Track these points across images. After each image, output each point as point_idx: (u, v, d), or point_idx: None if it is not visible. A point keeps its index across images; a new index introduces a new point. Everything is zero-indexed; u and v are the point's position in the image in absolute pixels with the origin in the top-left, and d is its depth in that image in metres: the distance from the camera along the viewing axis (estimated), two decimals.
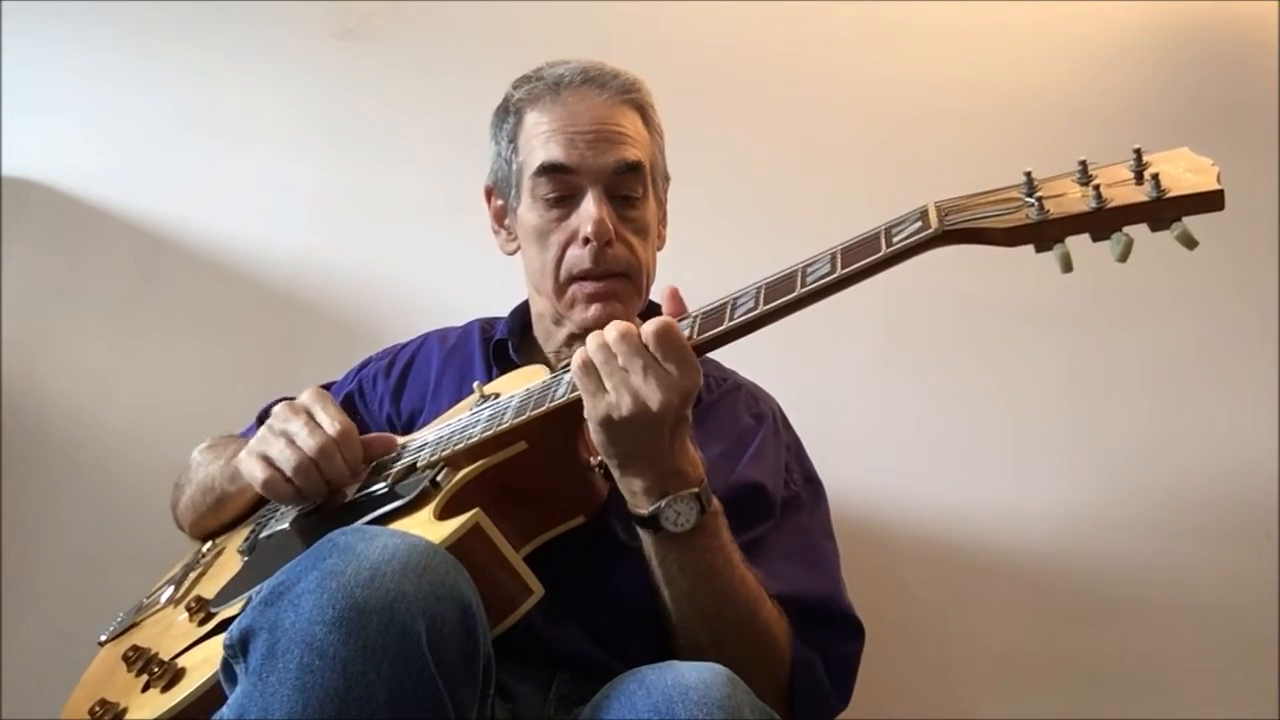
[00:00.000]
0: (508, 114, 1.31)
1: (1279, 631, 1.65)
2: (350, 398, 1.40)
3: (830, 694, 1.13)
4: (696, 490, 1.01)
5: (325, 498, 1.13)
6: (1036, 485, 1.75)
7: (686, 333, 1.00)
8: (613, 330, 0.99)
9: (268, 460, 1.12)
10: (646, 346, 0.97)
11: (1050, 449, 1.76)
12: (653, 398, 0.96)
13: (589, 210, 1.22)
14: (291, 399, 1.20)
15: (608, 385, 0.97)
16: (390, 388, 1.39)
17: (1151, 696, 1.66)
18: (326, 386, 1.44)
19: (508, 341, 1.34)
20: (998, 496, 1.75)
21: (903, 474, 1.78)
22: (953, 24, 1.91)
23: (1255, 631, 1.66)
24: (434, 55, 2.00)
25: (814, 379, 1.80)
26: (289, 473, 1.10)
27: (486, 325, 1.42)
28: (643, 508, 1.01)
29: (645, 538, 1.04)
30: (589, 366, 0.98)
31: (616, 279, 1.24)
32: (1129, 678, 1.67)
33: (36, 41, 2.01)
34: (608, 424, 0.98)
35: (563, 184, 1.24)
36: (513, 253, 1.34)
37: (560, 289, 1.25)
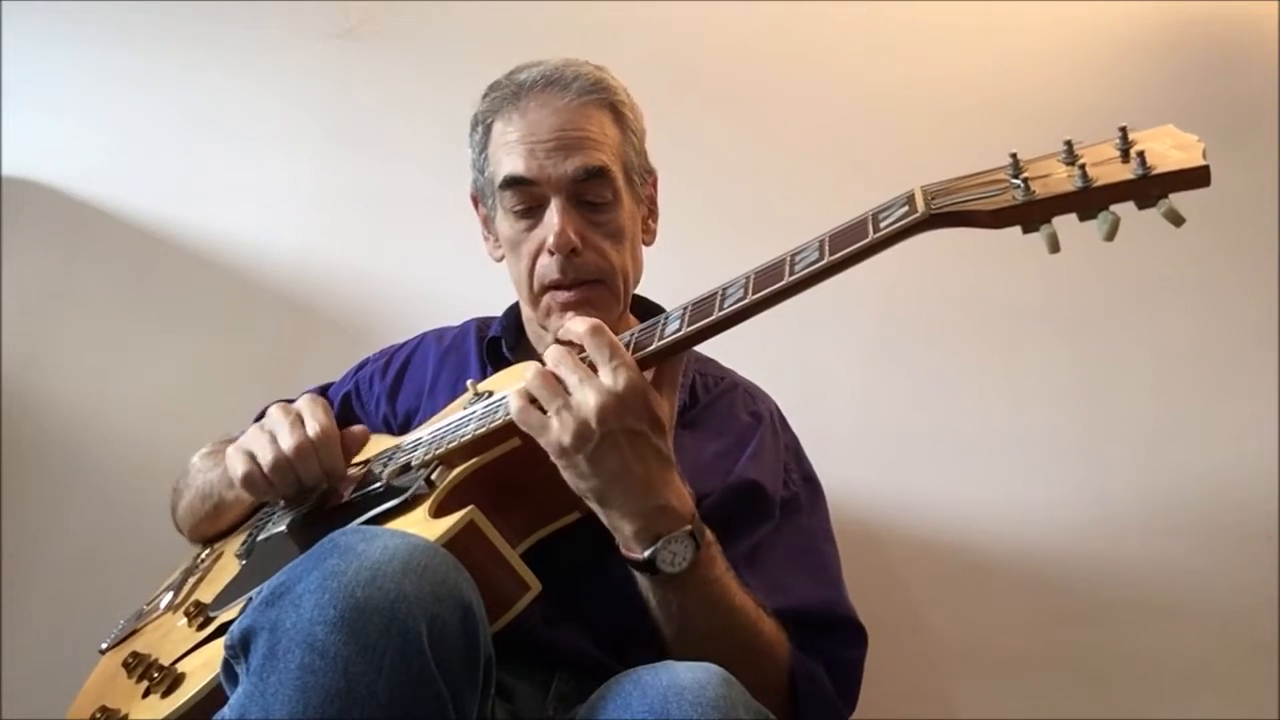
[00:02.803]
0: (477, 125, 1.31)
1: (1279, 631, 1.65)
2: (347, 398, 1.41)
3: (835, 700, 1.13)
4: (689, 528, 0.99)
5: (297, 497, 1.15)
6: (1036, 484, 1.75)
7: (677, 325, 1.01)
8: (551, 354, 1.00)
9: (250, 455, 1.13)
10: (578, 357, 0.98)
11: (1050, 448, 1.76)
12: (586, 406, 0.95)
13: (551, 222, 1.21)
14: (290, 401, 1.21)
15: (549, 412, 0.97)
16: (386, 388, 1.39)
17: (1151, 696, 1.66)
18: (325, 388, 1.45)
19: (501, 340, 1.34)
20: (997, 496, 1.75)
21: (902, 473, 1.78)
22: (952, 23, 1.91)
23: (1255, 631, 1.66)
24: (434, 55, 2.00)
25: (813, 378, 1.80)
26: (265, 469, 1.11)
27: (482, 325, 1.42)
28: (637, 552, 0.99)
29: (641, 579, 1.02)
30: (528, 402, 0.98)
31: (589, 286, 1.23)
32: (1129, 678, 1.67)
33: (36, 41, 2.01)
34: (562, 454, 0.97)
35: (527, 195, 1.23)
36: (500, 259, 1.34)
37: (535, 298, 1.26)
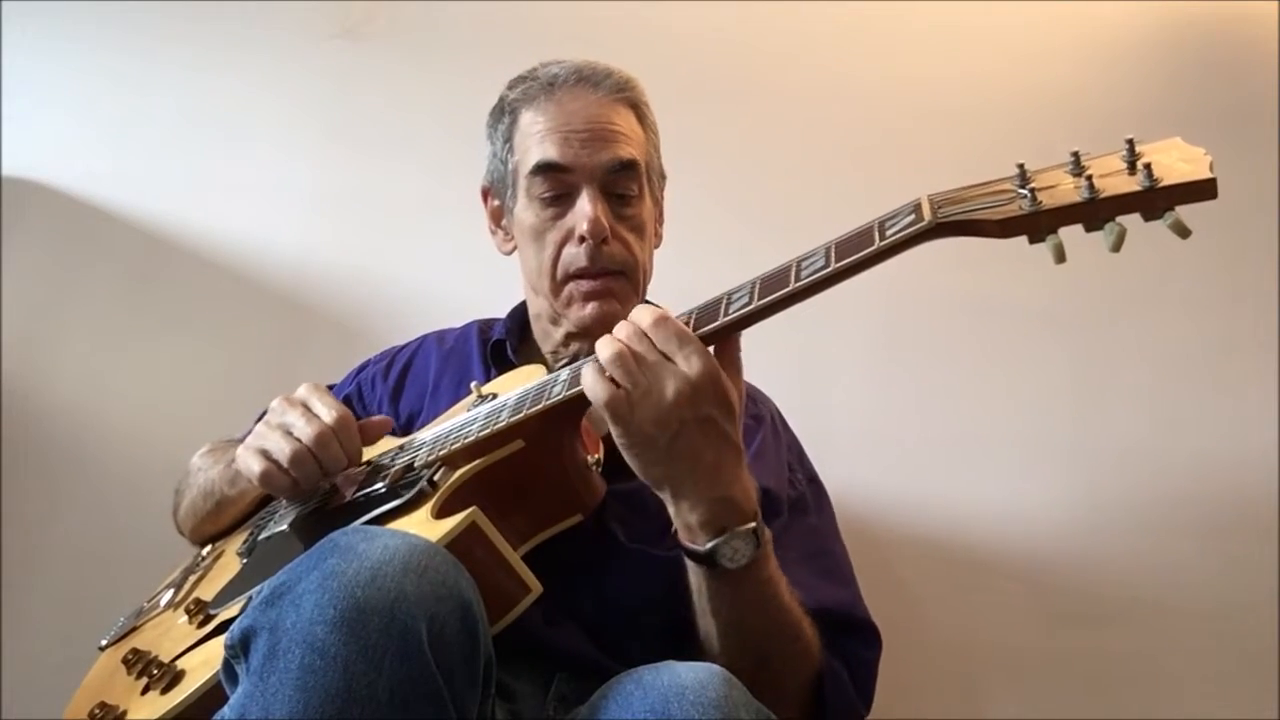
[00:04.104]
0: (503, 114, 1.31)
1: (1279, 631, 1.65)
2: (349, 400, 1.40)
3: (856, 701, 1.13)
4: (754, 525, 0.99)
5: (322, 488, 1.14)
6: (1036, 484, 1.75)
7: None
8: (625, 329, 0.98)
9: (265, 454, 1.12)
10: (651, 342, 0.96)
11: (1050, 448, 1.76)
12: (667, 393, 0.94)
13: (584, 209, 1.22)
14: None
15: (633, 393, 0.95)
16: (389, 390, 1.39)
17: (1151, 696, 1.66)
18: (327, 389, 1.44)
19: (505, 342, 1.34)
20: (997, 495, 1.75)
21: (903, 473, 1.78)
22: (952, 23, 1.91)
23: (1255, 631, 1.66)
24: (434, 55, 2.00)
25: (814, 378, 1.80)
26: (285, 464, 1.10)
27: (485, 326, 1.42)
28: (700, 544, 0.99)
29: (694, 571, 1.02)
30: (611, 384, 0.96)
31: (613, 277, 1.24)
32: (1129, 678, 1.67)
33: (36, 41, 2.01)
34: (641, 440, 0.96)
35: (558, 183, 1.24)
36: (509, 253, 1.34)
37: (557, 288, 1.25)
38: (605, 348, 0.98)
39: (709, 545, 0.98)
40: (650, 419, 0.95)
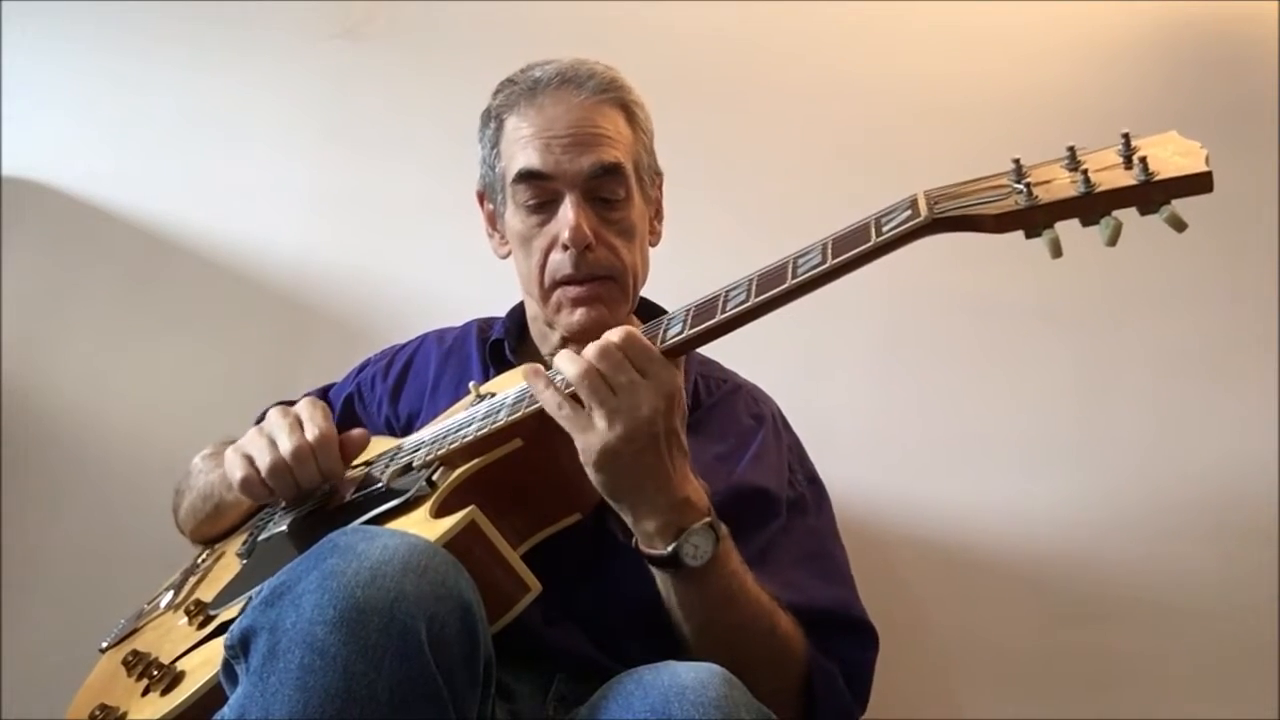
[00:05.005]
0: (489, 120, 1.31)
1: (1279, 632, 1.65)
2: (350, 400, 1.41)
3: (850, 702, 1.13)
4: (709, 519, 1.00)
5: (322, 490, 1.15)
6: (1037, 485, 1.75)
7: (679, 327, 1.01)
8: (592, 350, 0.98)
9: (248, 459, 1.14)
10: (625, 359, 0.97)
11: (1052, 449, 1.76)
12: (641, 410, 0.95)
13: (566, 217, 1.21)
14: (290, 403, 1.21)
15: (594, 412, 0.97)
16: (388, 389, 1.39)
17: (1151, 696, 1.66)
18: (327, 388, 1.45)
19: (504, 342, 1.34)
20: (998, 496, 1.75)
21: (904, 473, 1.78)
22: (951, 22, 1.91)
23: (1255, 631, 1.66)
24: (434, 55, 1.99)
25: (816, 378, 1.80)
26: (264, 473, 1.12)
27: (484, 325, 1.42)
28: (660, 548, 1.00)
29: (661, 577, 1.03)
30: (568, 399, 0.98)
31: (600, 282, 1.23)
32: (1129, 678, 1.67)
33: (36, 41, 2.01)
34: (605, 454, 0.96)
35: (541, 190, 1.23)
36: (505, 256, 1.34)
37: (546, 294, 1.25)
38: (571, 366, 0.98)
39: (671, 547, 0.99)
40: (619, 434, 0.96)
